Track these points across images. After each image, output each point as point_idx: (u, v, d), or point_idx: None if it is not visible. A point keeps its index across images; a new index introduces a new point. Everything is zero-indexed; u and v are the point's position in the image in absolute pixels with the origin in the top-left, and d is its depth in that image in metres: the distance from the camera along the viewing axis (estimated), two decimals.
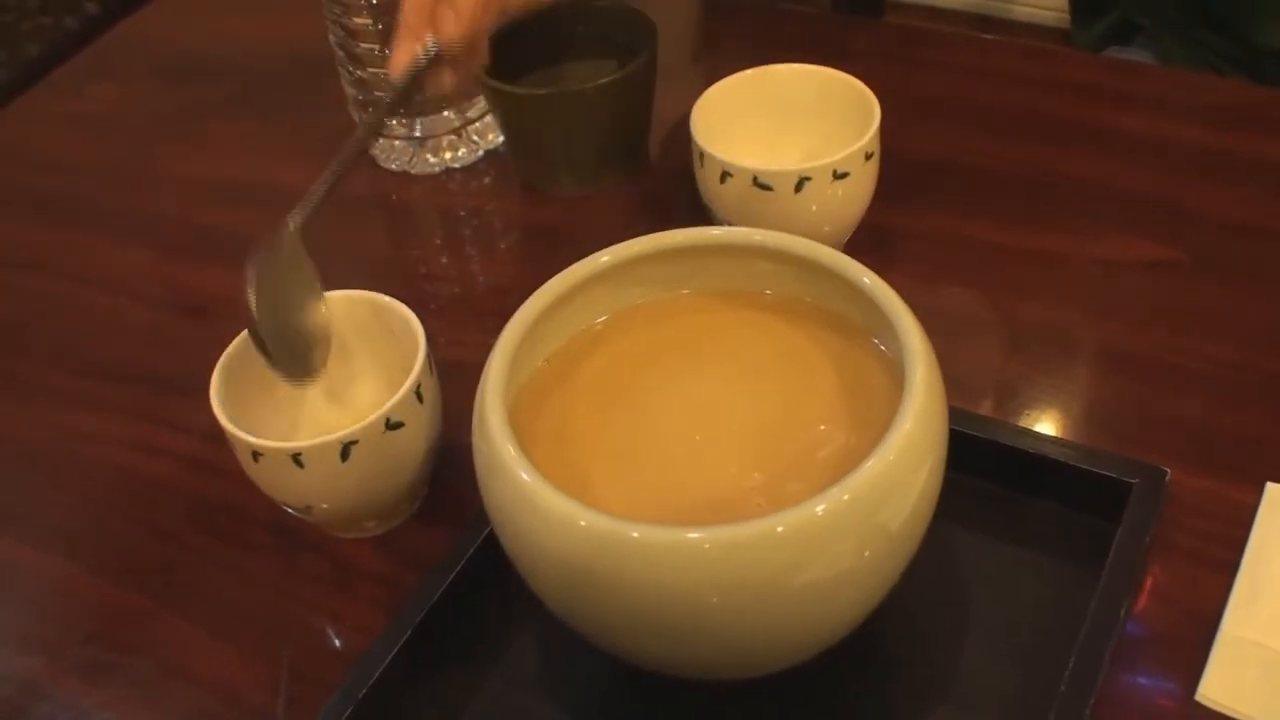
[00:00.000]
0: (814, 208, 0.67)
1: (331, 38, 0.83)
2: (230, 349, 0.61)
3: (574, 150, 0.81)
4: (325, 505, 0.60)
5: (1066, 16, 1.19)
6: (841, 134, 0.69)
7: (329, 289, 0.63)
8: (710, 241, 0.56)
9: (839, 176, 0.66)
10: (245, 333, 0.61)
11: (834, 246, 0.55)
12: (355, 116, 0.86)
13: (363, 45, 0.81)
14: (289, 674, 0.59)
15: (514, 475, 0.47)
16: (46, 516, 0.69)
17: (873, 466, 0.45)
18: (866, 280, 0.52)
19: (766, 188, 0.66)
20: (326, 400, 0.65)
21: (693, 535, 0.44)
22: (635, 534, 0.44)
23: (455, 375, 0.62)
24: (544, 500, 0.46)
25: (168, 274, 0.84)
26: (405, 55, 0.67)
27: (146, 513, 0.67)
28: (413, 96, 0.69)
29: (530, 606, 0.51)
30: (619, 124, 0.81)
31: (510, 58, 0.80)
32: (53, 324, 0.82)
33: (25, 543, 0.67)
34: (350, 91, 0.85)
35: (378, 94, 0.83)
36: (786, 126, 0.73)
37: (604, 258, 0.55)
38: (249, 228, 0.85)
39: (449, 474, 0.64)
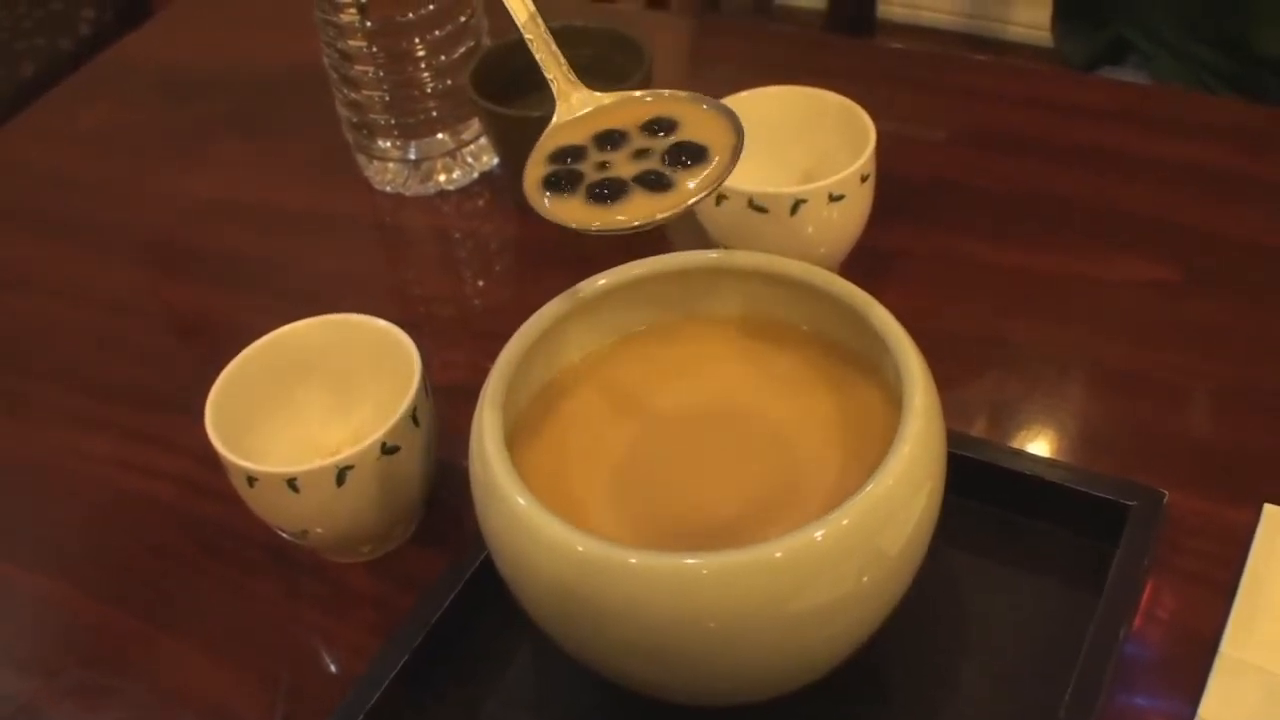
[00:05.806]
0: (810, 230, 0.67)
1: (326, 60, 0.83)
2: (226, 372, 0.61)
3: None
4: (321, 530, 0.60)
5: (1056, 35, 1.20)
6: (837, 155, 0.69)
7: (323, 312, 0.63)
8: (706, 264, 0.56)
9: (835, 199, 0.66)
10: (241, 355, 0.61)
11: (830, 269, 0.55)
12: (349, 138, 0.86)
13: (357, 68, 0.81)
14: (285, 696, 0.59)
15: (510, 500, 0.47)
16: (42, 537, 0.69)
17: (872, 491, 0.45)
18: (863, 303, 0.52)
19: (762, 210, 0.66)
20: (322, 424, 0.64)
21: (690, 561, 0.43)
22: (633, 560, 0.44)
23: (451, 398, 0.62)
24: (540, 526, 0.46)
25: (163, 292, 0.84)
26: None
27: (142, 533, 0.67)
28: None
29: (526, 631, 0.51)
30: None
31: (504, 80, 0.80)
32: (47, 342, 0.81)
33: (20, 563, 0.67)
34: (344, 113, 0.85)
35: (371, 116, 0.83)
36: (781, 148, 0.73)
37: (600, 281, 0.55)
38: (244, 247, 0.86)
39: (446, 497, 0.64)
